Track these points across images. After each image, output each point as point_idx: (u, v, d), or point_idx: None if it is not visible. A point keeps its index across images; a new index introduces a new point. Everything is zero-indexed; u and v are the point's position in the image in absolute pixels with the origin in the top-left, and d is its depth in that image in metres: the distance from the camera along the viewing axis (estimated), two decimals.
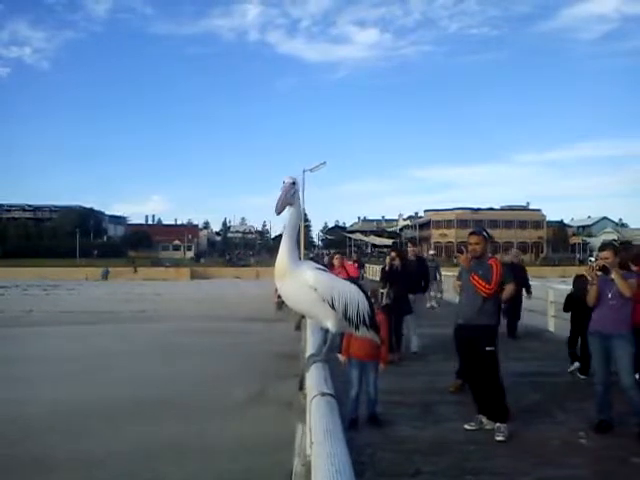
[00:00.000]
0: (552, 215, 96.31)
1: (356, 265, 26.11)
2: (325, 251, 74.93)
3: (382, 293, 8.68)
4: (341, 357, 5.62)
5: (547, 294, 12.39)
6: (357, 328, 3.36)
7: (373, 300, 5.64)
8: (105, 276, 58.79)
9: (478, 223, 77.04)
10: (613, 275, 5.30)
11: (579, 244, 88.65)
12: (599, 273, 5.40)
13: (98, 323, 23.73)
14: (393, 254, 9.32)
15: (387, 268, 9.23)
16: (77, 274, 58.63)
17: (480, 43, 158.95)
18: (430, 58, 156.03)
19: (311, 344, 4.44)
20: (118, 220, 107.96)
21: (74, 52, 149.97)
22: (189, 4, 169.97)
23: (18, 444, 8.67)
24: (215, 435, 8.98)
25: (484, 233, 5.62)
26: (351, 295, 3.28)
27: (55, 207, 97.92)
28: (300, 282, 3.17)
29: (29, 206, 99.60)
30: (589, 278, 5.62)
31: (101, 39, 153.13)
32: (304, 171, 33.28)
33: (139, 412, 10.16)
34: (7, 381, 12.80)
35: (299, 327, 13.20)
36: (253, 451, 8.10)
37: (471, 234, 5.65)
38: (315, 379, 2.95)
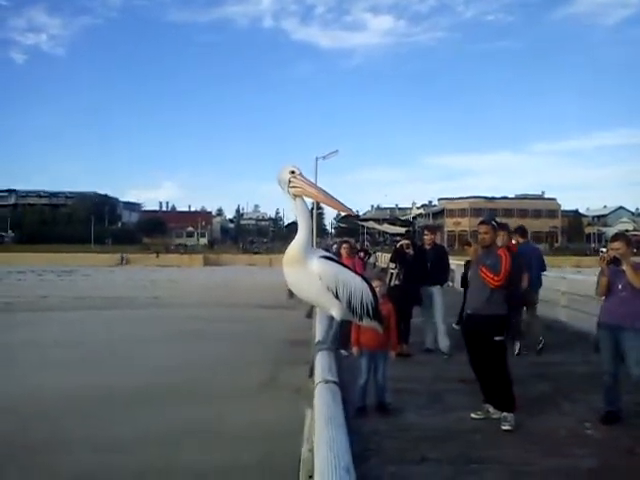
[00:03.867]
0: (567, 204, 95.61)
1: (362, 254, 26.15)
2: (338, 239, 74.87)
3: (392, 273, 8.48)
4: (354, 350, 5.65)
5: (559, 284, 12.31)
6: (361, 318, 3.42)
7: (380, 283, 5.68)
8: (123, 261, 59.44)
9: (492, 212, 76.77)
10: (624, 266, 5.28)
11: (594, 234, 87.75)
12: (610, 264, 5.39)
13: (112, 309, 23.99)
14: (407, 242, 8.81)
15: (398, 245, 8.88)
16: (92, 260, 59.16)
17: (496, 29, 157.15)
18: (445, 45, 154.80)
19: (318, 332, 4.49)
20: (132, 207, 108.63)
21: (90, 39, 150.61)
22: None
23: (32, 428, 8.83)
24: (227, 420, 9.07)
25: (493, 223, 5.62)
26: (355, 286, 3.33)
27: (71, 193, 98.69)
28: (306, 270, 3.22)
29: (45, 192, 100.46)
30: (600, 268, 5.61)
31: (117, 26, 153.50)
32: (317, 159, 33.29)
33: (152, 397, 10.30)
34: (22, 365, 13.03)
35: (310, 315, 13.27)
36: (265, 436, 8.18)
37: (480, 223, 5.66)
38: (320, 367, 3.00)
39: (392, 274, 8.44)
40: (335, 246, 19.19)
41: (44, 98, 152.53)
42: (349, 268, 3.52)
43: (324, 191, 3.47)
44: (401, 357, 7.58)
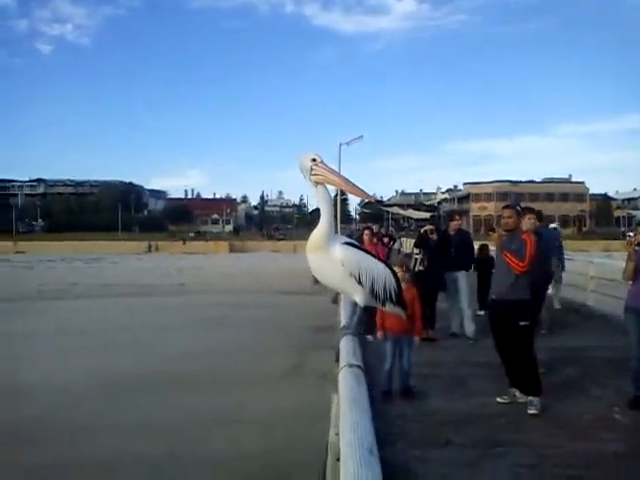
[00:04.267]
0: (596, 188, 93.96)
1: (387, 240, 26.09)
2: (362, 225, 74.76)
3: (416, 259, 8.48)
4: (378, 335, 5.68)
5: (587, 268, 12.17)
6: (384, 304, 3.44)
7: (404, 268, 5.68)
8: (150, 249, 60.47)
9: (517, 196, 75.82)
10: None
11: (624, 217, 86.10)
12: (637, 248, 5.31)
13: (139, 296, 24.37)
14: (430, 227, 8.86)
15: (422, 230, 8.92)
16: (120, 248, 60.03)
17: (520, 11, 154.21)
18: (468, 27, 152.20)
19: (343, 317, 4.52)
20: (158, 194, 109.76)
21: (113, 28, 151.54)
22: None
23: (58, 413, 9.06)
24: (254, 406, 9.20)
25: (517, 207, 5.58)
26: (378, 272, 3.35)
27: (96, 182, 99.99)
28: (329, 257, 3.24)
29: (71, 181, 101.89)
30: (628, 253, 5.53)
31: (139, 14, 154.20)
32: (340, 144, 33.19)
33: (178, 383, 10.49)
34: (51, 351, 13.35)
35: (336, 300, 13.31)
36: (292, 421, 8.29)
37: (504, 208, 5.63)
38: (344, 351, 3.03)
39: (416, 259, 8.45)
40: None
41: (70, 88, 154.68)
42: (371, 254, 3.53)
43: (345, 178, 3.48)
44: (426, 342, 7.61)
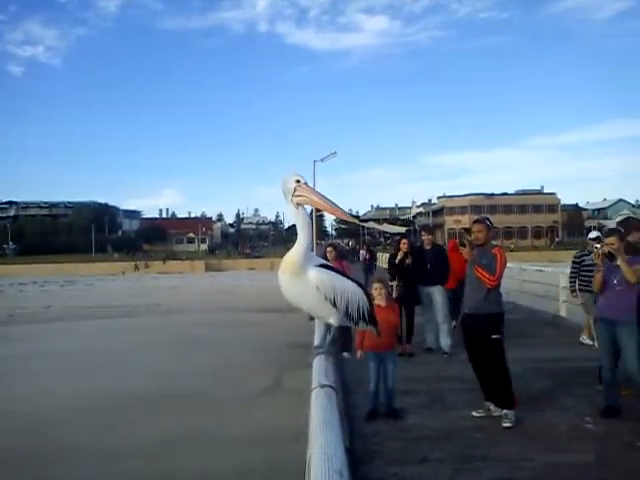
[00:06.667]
0: (567, 199, 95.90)
1: (368, 255, 26.26)
2: (338, 241, 74.96)
3: (391, 286, 8.29)
4: (358, 354, 5.66)
5: (558, 279, 12.34)
6: (357, 324, 3.47)
7: (382, 285, 5.70)
8: (138, 269, 61.03)
9: (492, 208, 76.75)
10: (619, 261, 5.30)
11: (594, 227, 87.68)
12: (604, 259, 5.41)
13: (115, 317, 24.01)
14: (405, 246, 8.68)
15: (397, 261, 8.66)
16: (94, 269, 59.25)
17: (490, 26, 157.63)
18: (440, 43, 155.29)
19: (316, 336, 4.53)
20: (132, 214, 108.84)
21: (86, 49, 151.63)
22: None
23: (39, 436, 8.90)
24: (232, 425, 9.10)
25: (487, 222, 5.66)
26: (352, 294, 3.38)
27: (70, 203, 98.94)
28: (303, 280, 3.25)
29: (45, 203, 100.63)
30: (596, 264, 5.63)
31: (112, 35, 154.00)
32: (314, 162, 33.32)
33: (156, 404, 10.35)
34: (27, 375, 13.09)
35: (312, 317, 13.29)
36: (270, 441, 8.19)
37: (474, 222, 5.72)
38: (316, 371, 3.04)
39: (391, 286, 8.26)
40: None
41: (42, 109, 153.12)
42: (341, 273, 3.55)
43: (329, 200, 3.49)
44: (403, 357, 7.66)
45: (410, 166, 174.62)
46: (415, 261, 8.56)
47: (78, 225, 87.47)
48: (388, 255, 12.30)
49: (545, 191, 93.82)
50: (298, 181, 3.44)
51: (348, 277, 3.63)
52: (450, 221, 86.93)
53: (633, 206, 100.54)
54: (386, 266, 11.65)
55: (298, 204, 3.44)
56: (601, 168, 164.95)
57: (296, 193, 3.43)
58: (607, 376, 5.45)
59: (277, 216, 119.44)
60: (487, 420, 5.35)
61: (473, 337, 5.51)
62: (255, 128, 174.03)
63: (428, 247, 8.98)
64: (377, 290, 5.62)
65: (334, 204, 3.52)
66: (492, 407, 5.44)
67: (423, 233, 9.48)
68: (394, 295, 8.16)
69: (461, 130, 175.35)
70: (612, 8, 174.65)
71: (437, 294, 8.63)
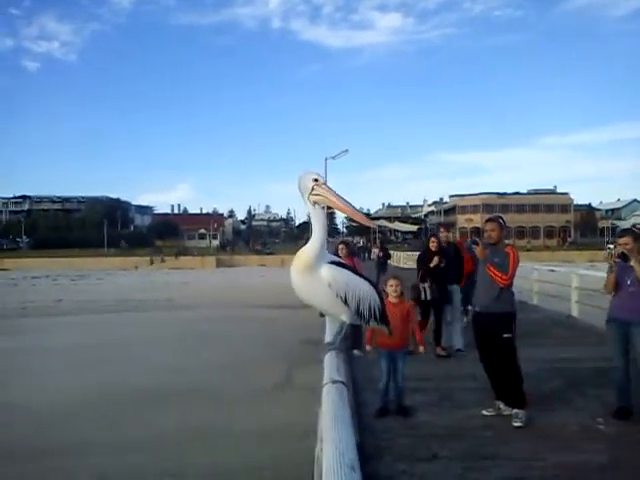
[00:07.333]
0: (580, 199, 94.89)
1: (381, 253, 26.03)
2: (349, 238, 74.98)
3: (424, 288, 8.20)
4: (367, 348, 5.65)
5: (571, 280, 12.28)
6: (368, 322, 3.47)
7: (397, 282, 5.69)
8: (152, 262, 61.56)
9: (504, 208, 76.31)
10: (632, 262, 5.26)
11: (608, 228, 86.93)
12: (618, 260, 5.37)
13: (126, 312, 24.16)
14: (434, 245, 8.39)
15: (432, 265, 8.26)
16: (106, 264, 59.56)
17: (504, 24, 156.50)
18: (453, 41, 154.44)
19: (328, 333, 4.54)
20: (144, 210, 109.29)
21: (99, 45, 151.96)
22: None
23: (47, 429, 8.98)
24: (242, 421, 9.12)
25: (500, 220, 5.64)
26: (364, 292, 3.38)
27: (83, 198, 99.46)
28: (315, 277, 3.25)
29: (58, 197, 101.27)
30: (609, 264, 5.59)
31: (125, 31, 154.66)
32: (326, 159, 33.37)
33: (166, 399, 10.40)
34: (38, 370, 13.20)
35: (323, 314, 13.29)
36: (280, 436, 8.22)
37: (487, 221, 5.70)
38: (328, 367, 3.05)
39: (424, 289, 8.20)
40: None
41: (57, 104, 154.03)
42: (353, 270, 3.55)
43: (346, 201, 3.45)
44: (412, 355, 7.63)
45: (422, 164, 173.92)
46: (446, 261, 8.40)
47: (91, 220, 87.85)
48: (416, 254, 11.76)
49: (558, 191, 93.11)
50: (316, 180, 3.41)
51: (360, 275, 3.62)
52: (462, 220, 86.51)
53: None
54: (400, 265, 11.58)
55: (315, 203, 3.42)
56: (615, 168, 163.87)
57: (314, 192, 3.40)
58: (619, 376, 5.42)
59: (288, 213, 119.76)
60: (497, 419, 5.34)
61: (484, 336, 5.49)
62: (267, 125, 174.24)
63: (444, 245, 8.78)
64: (392, 287, 5.61)
65: (352, 206, 3.49)
66: (502, 406, 5.43)
67: (441, 230, 9.27)
68: (429, 297, 8.15)
69: (474, 129, 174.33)
70: (628, 6, 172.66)
71: (456, 293, 8.60)
